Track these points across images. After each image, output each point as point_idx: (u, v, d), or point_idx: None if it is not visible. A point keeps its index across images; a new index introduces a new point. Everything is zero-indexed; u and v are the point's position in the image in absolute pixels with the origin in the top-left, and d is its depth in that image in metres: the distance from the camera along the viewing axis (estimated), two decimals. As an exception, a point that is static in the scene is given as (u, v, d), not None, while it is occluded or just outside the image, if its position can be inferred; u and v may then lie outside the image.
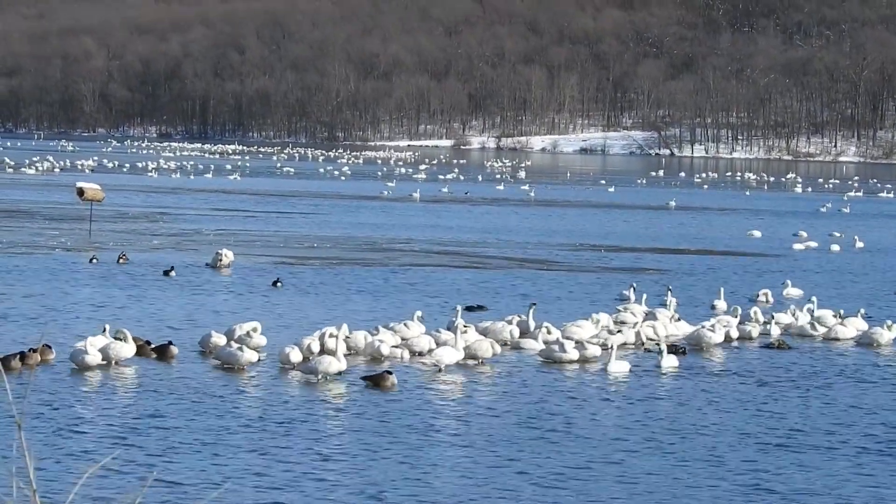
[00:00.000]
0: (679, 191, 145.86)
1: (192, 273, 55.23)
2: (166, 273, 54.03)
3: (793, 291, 51.85)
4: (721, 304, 48.55)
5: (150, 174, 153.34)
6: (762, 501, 23.70)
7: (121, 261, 57.85)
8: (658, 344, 40.56)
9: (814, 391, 34.22)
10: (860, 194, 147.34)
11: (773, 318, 43.31)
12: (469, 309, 45.78)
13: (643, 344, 40.33)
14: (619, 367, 35.81)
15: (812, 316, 44.23)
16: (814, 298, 46.70)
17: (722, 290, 50.78)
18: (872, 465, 26.64)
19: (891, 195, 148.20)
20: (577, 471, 25.22)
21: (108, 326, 35.96)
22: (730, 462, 26.30)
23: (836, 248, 76.58)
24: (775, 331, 42.11)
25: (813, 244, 77.50)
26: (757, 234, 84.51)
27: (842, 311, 44.98)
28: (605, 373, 35.37)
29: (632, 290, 48.01)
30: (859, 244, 78.65)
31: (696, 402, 32.34)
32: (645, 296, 46.97)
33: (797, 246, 77.14)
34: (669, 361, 36.30)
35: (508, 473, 24.84)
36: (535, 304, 41.92)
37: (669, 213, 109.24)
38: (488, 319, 41.99)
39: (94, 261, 57.47)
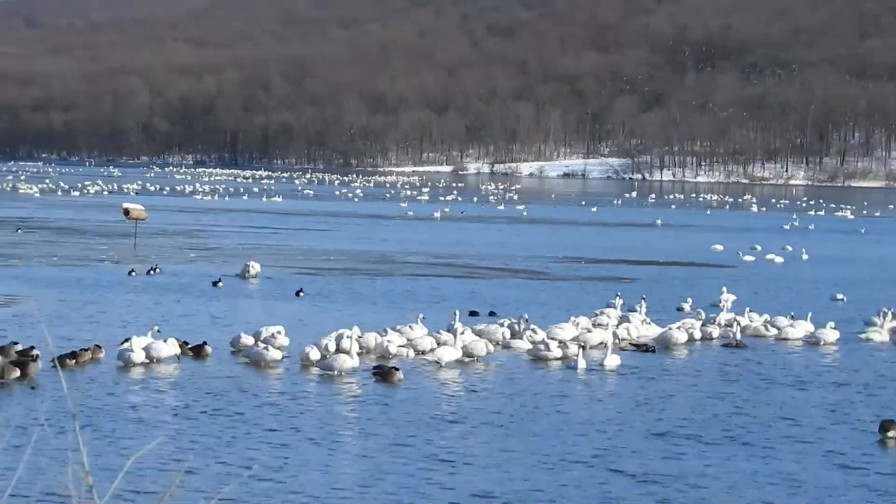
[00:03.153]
0: (649, 210, 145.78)
1: (224, 282, 55.26)
2: (215, 284, 54.13)
3: (727, 297, 51.64)
4: (688, 308, 48.76)
5: (196, 196, 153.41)
6: (663, 490, 23.62)
7: (152, 273, 57.90)
8: (631, 343, 40.72)
9: (758, 387, 34.19)
10: (821, 213, 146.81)
11: (737, 320, 43.37)
12: (474, 314, 45.88)
13: (618, 343, 40.41)
14: (612, 363, 35.95)
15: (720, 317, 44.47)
16: (727, 305, 47.14)
17: (690, 299, 50.91)
18: (789, 456, 26.55)
19: (847, 213, 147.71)
20: (552, 455, 25.24)
21: (156, 327, 36.11)
22: (651, 451, 26.30)
23: (779, 259, 76.58)
24: (736, 331, 42.12)
25: (772, 256, 77.41)
26: (720, 247, 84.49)
27: (792, 314, 45.11)
28: (578, 368, 35.44)
29: (618, 297, 48.07)
30: (805, 256, 78.70)
31: (644, 397, 32.35)
32: (621, 302, 47.16)
33: (747, 258, 77.11)
34: (613, 360, 36.18)
35: (497, 455, 24.87)
36: (523, 315, 41.83)
37: (642, 229, 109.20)
38: (483, 322, 42.12)
39: (133, 273, 57.49)
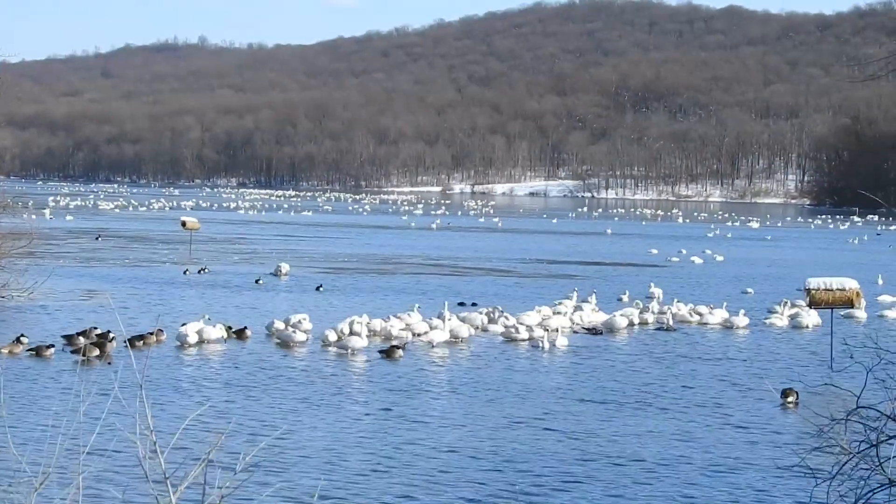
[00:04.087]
0: (597, 222, 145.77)
1: (261, 280, 55.18)
2: (256, 281, 54.09)
3: (655, 290, 51.66)
4: (626, 299, 48.80)
5: (239, 211, 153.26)
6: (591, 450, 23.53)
7: (201, 272, 57.79)
8: (583, 327, 40.70)
9: (682, 363, 34.21)
10: (737, 224, 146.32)
11: (669, 308, 43.37)
12: (461, 304, 45.89)
13: (572, 327, 40.51)
14: (562, 342, 35.95)
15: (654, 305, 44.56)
16: (659, 297, 47.36)
17: (627, 291, 50.95)
18: (703, 420, 26.50)
19: (755, 224, 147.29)
20: (512, 417, 25.22)
21: (206, 316, 36.09)
22: (589, 415, 26.27)
23: (699, 260, 76.48)
24: (668, 318, 42.12)
25: (695, 258, 77.35)
26: (655, 251, 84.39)
27: (712, 305, 45.09)
28: (542, 347, 35.46)
29: (574, 291, 48.10)
30: (720, 258, 78.62)
31: (591, 371, 32.38)
32: (576, 294, 47.18)
33: (674, 259, 77.11)
34: (562, 341, 36.17)
35: (469, 417, 24.85)
36: (497, 307, 41.81)
37: (592, 236, 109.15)
38: (466, 311, 42.12)
39: (187, 273, 57.39)
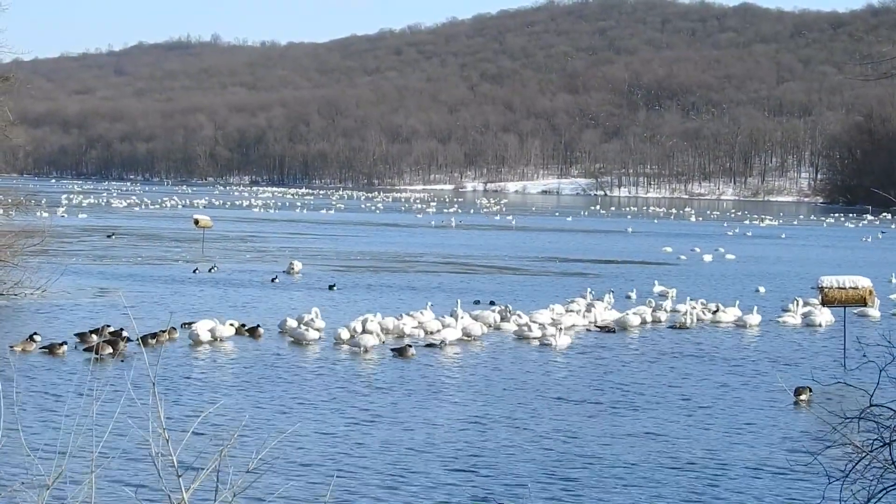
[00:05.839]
0: (610, 220, 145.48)
1: (277, 278, 55.16)
2: (273, 280, 54.02)
3: (659, 288, 51.45)
4: (633, 297, 48.79)
5: (252, 209, 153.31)
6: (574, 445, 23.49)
7: (211, 271, 57.79)
8: (596, 325, 40.65)
9: (694, 361, 34.13)
10: (756, 222, 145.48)
11: (687, 307, 43.30)
12: (477, 303, 45.86)
13: (586, 325, 40.56)
14: (563, 342, 35.88)
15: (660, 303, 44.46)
16: (672, 296, 47.15)
17: (634, 289, 50.91)
18: (709, 420, 26.45)
19: (773, 222, 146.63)
20: (512, 418, 25.21)
21: (217, 320, 36.12)
22: (585, 413, 26.22)
23: (709, 258, 76.35)
24: (683, 315, 42.06)
25: (707, 257, 77.24)
26: (669, 249, 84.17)
27: (720, 304, 44.99)
28: (553, 346, 35.44)
29: (588, 290, 47.97)
30: (731, 256, 78.42)
31: (602, 370, 32.34)
32: (590, 292, 47.10)
33: (682, 257, 76.98)
34: (564, 340, 36.12)
35: (486, 413, 24.84)
36: (508, 305, 41.76)
37: (605, 234, 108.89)
38: (480, 309, 42.13)
39: (197, 271, 57.42)
